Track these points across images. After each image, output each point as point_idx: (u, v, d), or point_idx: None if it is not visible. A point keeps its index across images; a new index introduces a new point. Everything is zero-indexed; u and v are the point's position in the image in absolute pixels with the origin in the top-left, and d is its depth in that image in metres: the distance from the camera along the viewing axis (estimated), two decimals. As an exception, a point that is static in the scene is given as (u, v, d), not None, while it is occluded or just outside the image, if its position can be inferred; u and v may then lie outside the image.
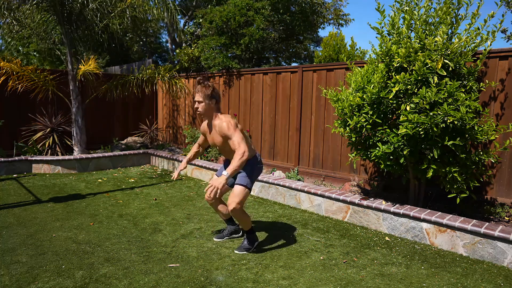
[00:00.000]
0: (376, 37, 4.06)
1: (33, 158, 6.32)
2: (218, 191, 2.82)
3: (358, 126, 3.83)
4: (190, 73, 7.92)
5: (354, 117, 3.82)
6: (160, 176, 6.39)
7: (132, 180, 6.04)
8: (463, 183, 3.57)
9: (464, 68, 3.64)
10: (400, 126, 3.47)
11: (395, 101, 3.68)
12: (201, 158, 6.65)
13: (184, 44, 11.68)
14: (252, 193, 5.29)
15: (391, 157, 3.73)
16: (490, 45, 3.65)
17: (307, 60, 16.02)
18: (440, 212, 3.62)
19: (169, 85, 7.20)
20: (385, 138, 3.71)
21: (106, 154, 6.92)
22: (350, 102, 3.84)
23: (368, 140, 3.96)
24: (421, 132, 3.39)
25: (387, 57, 3.78)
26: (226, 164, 3.40)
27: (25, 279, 2.70)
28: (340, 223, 4.14)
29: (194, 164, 6.30)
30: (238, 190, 3.10)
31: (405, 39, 3.71)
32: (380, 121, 3.76)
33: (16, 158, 6.26)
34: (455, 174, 3.48)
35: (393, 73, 3.77)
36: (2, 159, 6.10)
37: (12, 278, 2.71)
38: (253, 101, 6.51)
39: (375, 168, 4.93)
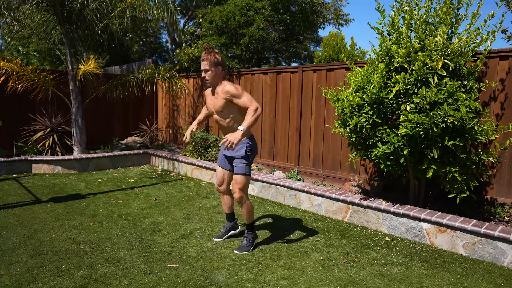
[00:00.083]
0: (376, 37, 4.06)
1: (33, 158, 6.32)
2: (234, 146, 2.87)
3: (358, 126, 3.83)
4: (190, 73, 7.92)
5: (354, 117, 3.81)
6: (160, 176, 6.39)
7: (132, 180, 6.04)
8: (463, 183, 3.56)
9: (464, 68, 3.64)
10: (400, 126, 3.47)
11: (395, 101, 3.68)
12: (201, 158, 6.65)
13: (184, 44, 11.68)
14: (252, 193, 5.29)
15: (391, 157, 3.73)
16: (490, 45, 3.65)
17: (307, 60, 16.02)
18: (440, 212, 3.62)
19: (169, 85, 7.20)
20: (385, 138, 3.71)
21: (106, 154, 6.92)
22: (350, 102, 3.83)
23: (368, 140, 3.96)
24: (421, 132, 3.39)
25: (387, 57, 3.78)
26: (223, 149, 3.41)
27: (25, 279, 2.70)
28: (340, 223, 4.14)
29: (194, 164, 6.30)
30: (239, 179, 3.20)
31: (405, 39, 3.71)
32: (380, 121, 3.75)
33: (16, 158, 6.26)
34: (455, 174, 3.47)
35: (393, 73, 3.77)
36: (2, 159, 6.10)
37: (12, 278, 2.71)
38: (253, 101, 6.50)
39: (375, 168, 4.92)
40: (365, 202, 4.00)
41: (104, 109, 7.91)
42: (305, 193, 4.61)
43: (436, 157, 3.47)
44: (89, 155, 6.70)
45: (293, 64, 15.87)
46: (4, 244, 3.31)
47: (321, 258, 3.20)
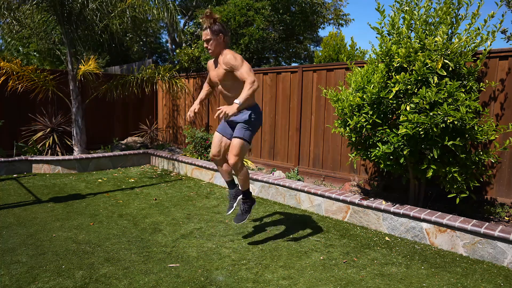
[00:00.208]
0: (376, 37, 4.06)
1: (33, 158, 6.32)
2: (228, 117, 2.82)
3: (358, 126, 3.83)
4: (190, 73, 7.93)
5: (354, 117, 3.82)
6: (160, 176, 6.39)
7: (132, 180, 6.04)
8: (463, 183, 3.57)
9: (464, 68, 3.64)
10: (400, 126, 3.47)
11: (395, 101, 3.68)
12: (201, 158, 6.65)
13: (184, 44, 11.68)
14: (252, 193, 5.29)
15: (391, 157, 3.73)
16: (490, 45, 3.65)
17: (307, 60, 16.02)
18: (440, 212, 3.62)
19: (169, 85, 7.20)
20: (385, 138, 3.71)
21: (106, 154, 6.92)
22: (350, 102, 3.84)
23: (368, 140, 3.96)
24: (421, 132, 3.39)
25: (387, 57, 3.78)
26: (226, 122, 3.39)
27: (25, 279, 2.70)
28: (340, 223, 4.14)
29: (194, 164, 6.30)
30: (236, 143, 3.10)
31: (405, 39, 3.71)
32: (380, 121, 3.76)
33: (16, 158, 6.26)
34: (455, 174, 3.48)
35: (393, 73, 3.77)
36: (2, 159, 6.10)
37: (12, 278, 2.71)
38: (253, 101, 6.51)
39: (375, 168, 4.93)
40: (365, 202, 4.00)
41: (104, 109, 7.91)
42: (305, 193, 4.61)
43: (436, 157, 3.47)
44: (89, 155, 6.70)
45: (293, 64, 15.88)
46: (4, 244, 3.31)
47: (321, 258, 3.20)
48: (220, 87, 3.23)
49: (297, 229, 3.92)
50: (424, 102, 3.40)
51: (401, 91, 3.63)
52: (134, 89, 7.19)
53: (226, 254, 3.23)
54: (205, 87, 3.58)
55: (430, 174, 3.55)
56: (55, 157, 6.39)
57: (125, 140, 8.06)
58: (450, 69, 3.55)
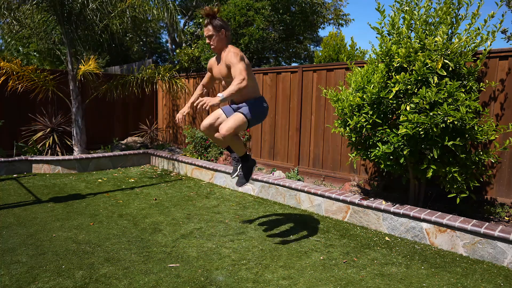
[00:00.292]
0: (376, 37, 4.06)
1: (33, 158, 6.32)
2: (207, 106, 2.71)
3: (358, 126, 3.83)
4: (190, 73, 7.93)
5: (354, 117, 3.82)
6: (160, 176, 6.39)
7: (132, 180, 6.04)
8: (463, 183, 3.57)
9: (464, 68, 3.64)
10: (400, 126, 3.47)
11: (395, 101, 3.68)
12: (201, 158, 6.65)
13: (184, 44, 11.68)
14: (252, 193, 5.29)
15: (391, 157, 3.73)
16: (490, 45, 3.65)
17: (307, 60, 16.02)
18: (440, 212, 3.62)
19: (169, 85, 7.20)
20: (385, 138, 3.71)
21: (106, 154, 6.92)
22: (350, 102, 3.84)
23: (368, 140, 3.96)
24: (421, 132, 3.40)
25: (387, 57, 3.78)
26: (230, 105, 3.37)
27: (25, 279, 2.70)
28: (340, 223, 4.14)
29: (194, 164, 6.30)
30: (235, 116, 3.04)
31: (405, 39, 3.71)
32: (380, 121, 3.76)
33: (16, 158, 6.26)
34: (455, 174, 3.48)
35: (393, 73, 3.77)
36: (2, 159, 6.10)
37: (12, 278, 2.71)
38: (253, 101, 6.51)
39: (375, 168, 4.93)
40: (365, 202, 4.00)
41: (104, 109, 7.91)
42: (305, 193, 4.61)
43: (436, 157, 3.47)
44: (89, 155, 6.70)
45: (293, 64, 15.88)
46: (4, 244, 3.31)
47: (321, 258, 3.20)
48: (223, 83, 3.24)
49: (297, 229, 3.92)
50: (424, 102, 3.40)
51: (401, 91, 3.63)
52: (134, 89, 7.19)
53: (226, 254, 3.23)
54: (198, 90, 3.58)
55: (430, 174, 3.55)
56: (55, 157, 6.39)
57: (125, 140, 8.06)
58: (450, 69, 3.55)
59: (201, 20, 9.64)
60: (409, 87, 3.55)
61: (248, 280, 2.78)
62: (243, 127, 3.09)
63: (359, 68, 4.06)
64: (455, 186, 3.58)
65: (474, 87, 3.64)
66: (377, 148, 3.73)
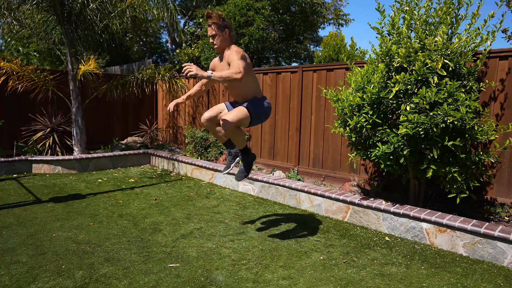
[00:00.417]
0: (376, 37, 4.06)
1: (33, 158, 6.32)
2: (192, 69, 2.71)
3: (358, 126, 3.83)
4: (190, 73, 7.91)
5: (354, 117, 3.82)
6: (160, 176, 6.39)
7: (132, 180, 6.04)
8: (463, 183, 3.57)
9: (464, 68, 3.64)
10: (400, 126, 3.47)
11: (395, 101, 3.68)
12: (201, 158, 6.65)
13: (184, 44, 11.68)
14: (252, 193, 5.29)
15: (391, 157, 3.73)
16: (490, 45, 3.65)
17: (307, 60, 16.02)
18: (440, 212, 3.62)
19: (169, 85, 7.21)
20: (385, 138, 3.71)
21: (106, 154, 6.92)
22: (350, 102, 3.84)
23: (368, 140, 3.96)
24: (421, 132, 3.40)
25: (387, 57, 3.78)
26: (233, 104, 3.37)
27: (25, 279, 2.70)
28: (340, 223, 4.14)
29: (194, 164, 6.30)
30: (239, 108, 3.06)
31: (405, 39, 3.71)
32: (380, 121, 3.76)
33: (16, 158, 6.26)
34: (455, 174, 3.48)
35: (393, 73, 3.77)
36: (2, 159, 6.10)
37: (12, 278, 2.71)
38: (253, 101, 6.50)
39: (375, 168, 4.93)
40: (365, 202, 4.00)
41: (104, 109, 7.91)
42: (305, 193, 4.61)
43: (436, 157, 3.47)
44: (89, 155, 6.70)
45: (293, 64, 15.88)
46: (4, 244, 3.31)
47: (321, 258, 3.20)
48: (225, 84, 3.24)
49: (297, 229, 3.92)
50: (424, 102, 3.40)
51: (401, 91, 3.63)
52: (134, 89, 7.19)
53: (226, 254, 3.23)
54: (197, 85, 3.57)
55: (430, 174, 3.55)
56: (55, 157, 6.39)
57: (125, 140, 8.06)
58: (450, 69, 3.55)
59: (201, 20, 9.64)
60: (409, 87, 3.55)
61: (248, 280, 2.78)
62: (246, 121, 3.09)
63: (359, 68, 4.06)
64: (455, 186, 3.58)
65: (474, 87, 3.64)
66: (377, 148, 3.73)
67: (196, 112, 7.73)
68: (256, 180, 5.19)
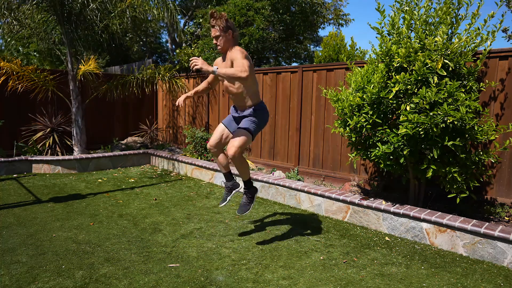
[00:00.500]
0: (376, 37, 4.06)
1: (33, 158, 6.32)
2: (198, 63, 2.75)
3: (358, 126, 3.83)
4: (190, 73, 7.93)
5: (354, 117, 3.82)
6: (160, 176, 6.39)
7: (132, 180, 6.04)
8: (463, 183, 3.57)
9: (464, 68, 3.64)
10: (400, 126, 3.47)
11: (395, 101, 3.68)
12: (201, 158, 6.65)
13: (184, 44, 11.68)
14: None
15: (391, 157, 3.73)
16: (490, 45, 3.65)
17: (307, 60, 16.02)
18: (440, 212, 3.62)
19: (169, 85, 7.21)
20: (385, 138, 3.71)
21: (106, 154, 6.92)
22: (350, 102, 3.84)
23: (368, 140, 3.96)
24: (421, 132, 3.40)
25: (387, 57, 3.78)
26: (234, 110, 3.36)
27: (25, 279, 2.70)
28: (340, 223, 4.14)
29: (194, 164, 6.30)
30: (240, 133, 3.10)
31: (405, 39, 3.71)
32: (380, 121, 3.76)
33: (16, 158, 6.26)
34: (455, 174, 3.48)
35: (393, 73, 3.77)
36: (2, 159, 6.10)
37: (12, 278, 2.71)
38: (253, 101, 6.50)
39: (375, 168, 4.93)
40: (365, 202, 4.00)
41: (104, 109, 7.91)
42: (305, 193, 4.61)
43: (436, 157, 3.47)
44: (89, 155, 6.70)
45: (293, 64, 15.88)
46: (4, 244, 3.31)
47: (321, 258, 3.20)
48: (226, 82, 3.22)
49: (297, 229, 3.92)
50: (424, 102, 3.40)
51: (401, 91, 3.63)
52: (134, 89, 7.19)
53: (226, 254, 3.23)
54: (204, 83, 3.58)
55: (430, 174, 3.55)
56: (55, 157, 6.39)
57: (125, 140, 8.06)
58: (450, 69, 3.55)
59: (201, 20, 9.64)
60: (409, 87, 3.55)
61: (248, 280, 2.78)
62: (248, 143, 3.16)
63: (359, 68, 4.06)
64: (455, 186, 3.58)
65: (474, 87, 3.64)
66: (377, 148, 3.73)
67: (196, 112, 7.73)
68: (256, 180, 5.19)
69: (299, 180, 5.33)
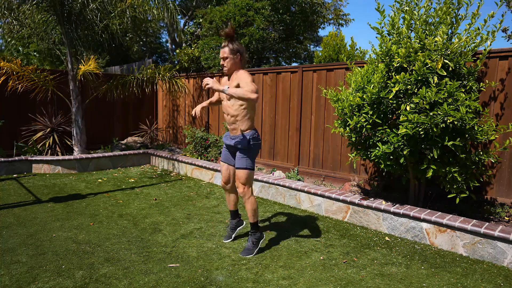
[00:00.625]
0: (376, 37, 4.06)
1: (33, 158, 6.32)
2: (209, 83, 2.83)
3: (358, 126, 3.83)
4: (190, 73, 7.93)
5: (354, 117, 3.82)
6: (160, 176, 6.39)
7: (132, 180, 6.04)
8: (463, 183, 3.57)
9: (464, 68, 3.64)
10: (400, 126, 3.47)
11: (395, 101, 3.68)
12: (201, 158, 6.65)
13: (184, 44, 11.68)
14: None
15: (391, 157, 3.73)
16: (490, 45, 3.65)
17: (307, 60, 16.02)
18: (440, 212, 3.62)
19: (169, 85, 7.21)
20: (385, 138, 3.71)
21: (106, 154, 6.92)
22: (350, 102, 3.84)
23: (368, 140, 3.96)
24: (421, 132, 3.39)
25: (387, 57, 3.78)
26: (227, 137, 3.36)
27: (25, 279, 2.70)
28: (340, 223, 4.14)
29: (194, 164, 6.30)
30: (240, 174, 3.17)
31: (405, 39, 3.71)
32: (380, 121, 3.76)
33: (16, 158, 6.26)
34: (455, 174, 3.48)
35: (393, 73, 3.77)
36: (2, 159, 6.10)
37: (12, 278, 2.71)
38: (253, 101, 6.50)
39: (375, 168, 4.93)
40: (365, 202, 4.00)
41: (104, 109, 7.91)
42: (305, 193, 4.61)
43: (436, 157, 3.47)
44: (89, 155, 6.70)
45: (293, 64, 15.87)
46: (4, 244, 3.31)
47: (321, 258, 3.20)
48: (224, 102, 3.22)
49: (297, 229, 3.92)
50: (424, 102, 3.40)
51: (401, 91, 3.63)
52: (134, 89, 7.19)
53: (226, 254, 3.23)
54: (216, 95, 3.59)
55: (430, 174, 3.55)
56: (55, 157, 6.39)
57: (125, 140, 8.06)
58: (450, 69, 3.55)
59: (201, 20, 9.63)
60: (409, 87, 3.55)
61: (248, 280, 2.78)
62: (252, 176, 3.24)
63: (359, 68, 4.06)
64: (455, 186, 3.58)
65: (474, 87, 3.64)
66: (377, 148, 3.73)
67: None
68: (256, 180, 5.19)
69: (299, 180, 5.33)
